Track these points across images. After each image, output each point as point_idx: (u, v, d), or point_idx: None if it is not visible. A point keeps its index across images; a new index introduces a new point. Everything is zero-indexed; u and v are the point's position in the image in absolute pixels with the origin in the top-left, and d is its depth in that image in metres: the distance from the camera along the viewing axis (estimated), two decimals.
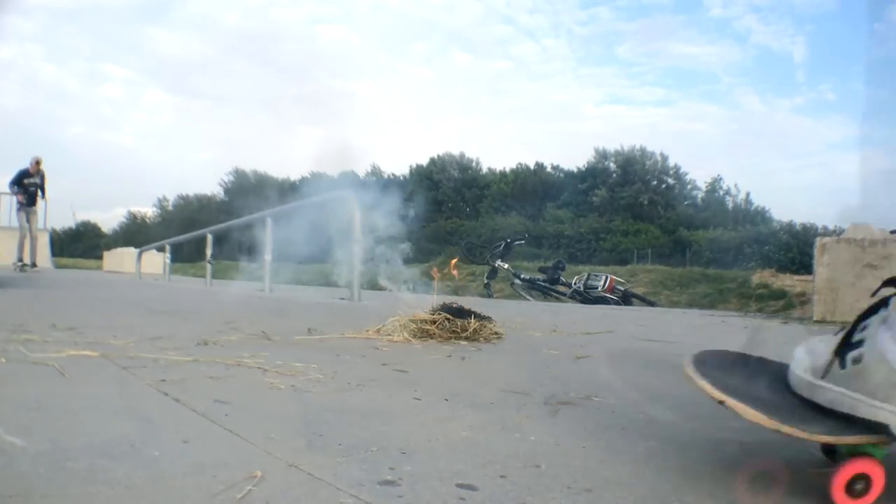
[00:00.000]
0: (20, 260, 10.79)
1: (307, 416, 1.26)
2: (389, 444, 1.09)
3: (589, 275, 10.28)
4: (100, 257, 23.03)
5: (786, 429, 0.85)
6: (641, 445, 1.13)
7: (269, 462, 0.96)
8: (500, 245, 10.78)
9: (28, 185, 10.57)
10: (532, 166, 44.94)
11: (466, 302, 2.99)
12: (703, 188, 42.08)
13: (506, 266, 10.35)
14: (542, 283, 10.37)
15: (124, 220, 58.60)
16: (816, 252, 4.25)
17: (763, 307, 10.31)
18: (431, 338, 2.55)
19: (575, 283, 9.96)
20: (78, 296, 4.90)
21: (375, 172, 48.89)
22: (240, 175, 52.86)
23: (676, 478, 0.96)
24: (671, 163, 42.22)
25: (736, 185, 41.80)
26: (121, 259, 17.46)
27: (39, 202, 11.25)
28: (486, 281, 10.25)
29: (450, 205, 41.83)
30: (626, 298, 9.81)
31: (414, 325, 2.63)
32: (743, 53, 64.01)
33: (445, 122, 77.31)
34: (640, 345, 2.81)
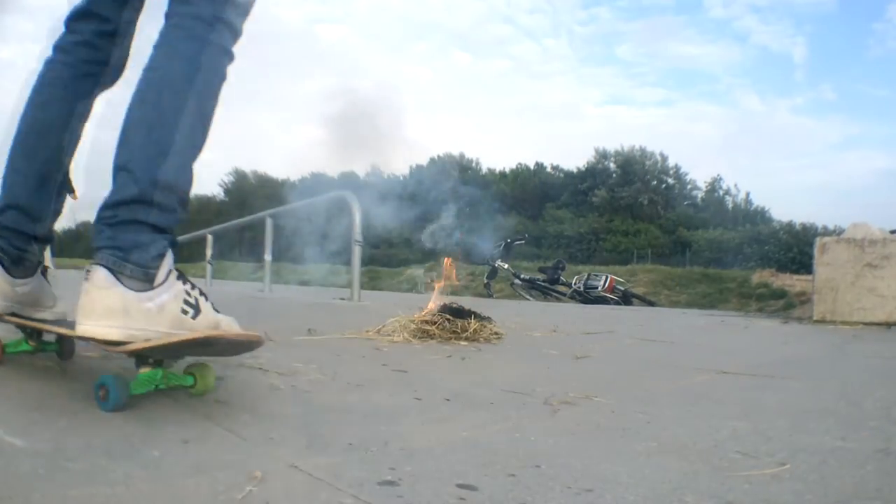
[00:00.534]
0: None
1: (307, 417, 1.26)
2: (390, 444, 1.09)
3: (589, 275, 10.28)
4: None
5: None
6: (641, 445, 1.13)
7: (270, 462, 0.96)
8: (501, 245, 10.78)
9: None
10: (532, 166, 44.96)
11: (466, 302, 2.99)
12: (703, 188, 42.11)
13: (506, 266, 10.35)
14: (542, 284, 10.37)
15: None
16: (816, 252, 4.25)
17: (763, 307, 10.31)
18: (431, 338, 2.55)
19: (575, 283, 9.96)
20: (78, 296, 4.90)
21: (375, 173, 48.91)
22: (239, 176, 52.87)
23: (676, 477, 0.96)
24: (671, 163, 42.25)
25: (736, 185, 41.92)
26: None
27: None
28: (486, 281, 10.26)
29: (450, 205, 41.78)
30: (626, 298, 9.81)
31: (414, 326, 2.63)
32: (743, 53, 64.11)
33: (445, 122, 77.32)
34: (640, 345, 2.81)
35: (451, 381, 1.73)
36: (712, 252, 27.50)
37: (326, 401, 1.41)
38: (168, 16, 1.47)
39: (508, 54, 74.10)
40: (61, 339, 1.54)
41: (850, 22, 61.58)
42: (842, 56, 62.88)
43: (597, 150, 42.96)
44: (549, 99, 70.69)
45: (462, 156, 46.97)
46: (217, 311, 1.31)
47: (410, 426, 1.22)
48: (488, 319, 2.77)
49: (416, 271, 17.37)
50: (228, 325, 1.31)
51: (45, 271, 1.68)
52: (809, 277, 4.73)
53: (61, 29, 1.63)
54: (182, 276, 1.27)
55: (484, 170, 46.26)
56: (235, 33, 1.50)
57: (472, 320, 2.68)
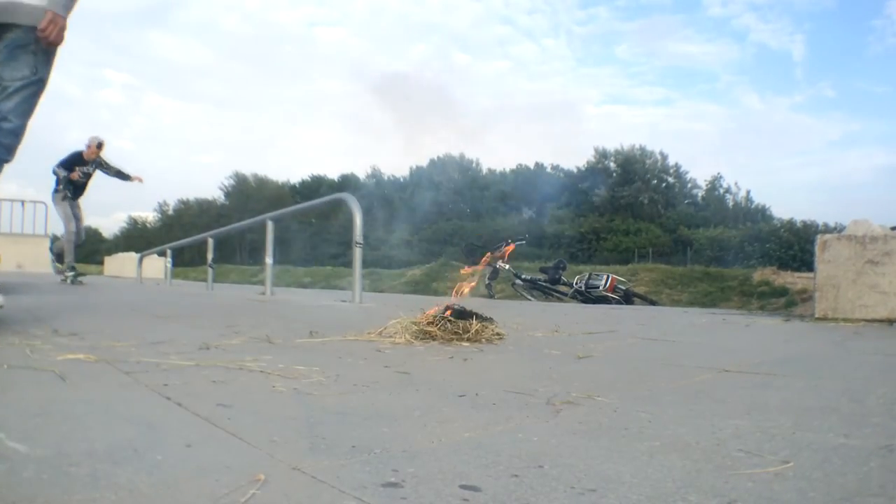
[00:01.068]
0: (72, 268, 8.03)
1: (310, 419, 1.26)
2: (392, 445, 1.09)
3: (590, 274, 10.27)
4: (101, 262, 23.06)
5: None
6: (644, 444, 1.13)
7: (272, 465, 0.96)
8: (501, 246, 10.78)
9: (79, 174, 8.03)
10: (532, 166, 44.99)
11: (468, 303, 2.99)
12: (704, 187, 42.12)
13: (507, 266, 10.34)
14: (544, 284, 10.36)
15: (125, 224, 58.68)
16: (817, 249, 4.25)
17: (764, 305, 10.30)
18: (433, 339, 2.55)
19: (576, 283, 9.95)
20: (79, 301, 4.90)
21: (376, 174, 48.94)
22: (240, 179, 52.87)
23: (679, 476, 0.96)
24: (671, 162, 42.30)
25: (736, 184, 41.90)
26: (122, 264, 17.45)
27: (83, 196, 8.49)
28: (487, 282, 10.25)
29: (450, 206, 41.82)
30: (627, 298, 9.80)
31: (416, 327, 2.63)
32: (742, 52, 64.11)
33: (445, 122, 77.34)
34: (641, 344, 2.81)
35: (453, 382, 1.73)
36: (713, 250, 27.49)
37: (328, 403, 1.41)
38: None
39: (508, 54, 74.16)
40: None
41: (849, 19, 61.59)
42: (841, 53, 62.91)
43: (597, 150, 43.03)
44: (548, 99, 70.74)
45: (462, 156, 47.02)
46: None
47: (413, 428, 1.22)
48: (490, 320, 2.77)
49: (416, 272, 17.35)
50: None
51: None
52: (811, 275, 4.73)
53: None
54: None
55: (484, 170, 46.32)
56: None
57: (474, 321, 2.68)
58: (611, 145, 46.06)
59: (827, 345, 2.88)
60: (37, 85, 2.76)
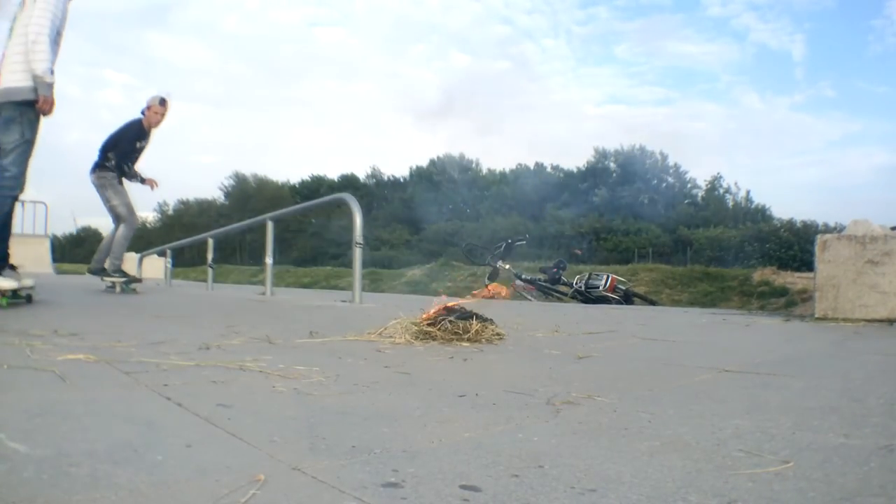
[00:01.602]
0: (122, 273, 6.06)
1: (310, 419, 1.26)
2: (392, 445, 1.09)
3: (590, 274, 10.26)
4: None
5: None
6: (644, 444, 1.13)
7: (273, 465, 0.96)
8: (501, 246, 10.77)
9: (137, 151, 6.16)
10: (532, 166, 44.98)
11: (467, 303, 2.99)
12: (704, 187, 42.09)
13: (507, 267, 10.34)
14: (543, 284, 10.36)
15: None
16: (817, 249, 4.25)
17: (765, 305, 10.30)
18: (433, 340, 2.55)
19: (576, 283, 9.94)
20: (80, 301, 4.90)
21: (375, 174, 48.94)
22: (240, 179, 52.88)
23: (679, 476, 0.96)
24: (671, 162, 42.29)
25: (736, 184, 41.85)
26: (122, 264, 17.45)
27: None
28: (487, 282, 10.24)
29: (450, 206, 41.84)
30: (627, 298, 9.79)
31: (416, 328, 2.63)
32: (742, 52, 64.08)
33: (445, 122, 77.42)
34: (641, 344, 2.81)
35: (453, 382, 1.73)
36: (713, 250, 27.47)
37: (328, 403, 1.41)
38: None
39: (507, 54, 74.18)
40: None
41: (848, 19, 61.54)
42: (841, 53, 62.85)
43: (597, 150, 43.04)
44: (548, 99, 70.76)
45: (462, 156, 47.02)
46: None
47: (413, 428, 1.22)
48: (490, 320, 2.77)
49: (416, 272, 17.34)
50: None
51: None
52: (811, 275, 4.72)
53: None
54: None
55: (484, 170, 46.32)
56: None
57: (474, 321, 2.68)
58: (611, 145, 46.13)
59: (827, 345, 2.88)
60: (27, 144, 3.75)
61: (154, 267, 14.18)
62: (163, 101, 6.09)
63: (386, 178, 48.63)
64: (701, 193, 41.73)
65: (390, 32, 78.52)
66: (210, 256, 8.57)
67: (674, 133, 60.62)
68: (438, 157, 47.12)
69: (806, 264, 15.10)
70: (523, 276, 10.50)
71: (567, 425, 1.26)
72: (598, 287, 9.72)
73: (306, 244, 38.88)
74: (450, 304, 2.81)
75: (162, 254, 12.26)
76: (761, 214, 36.32)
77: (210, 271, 8.59)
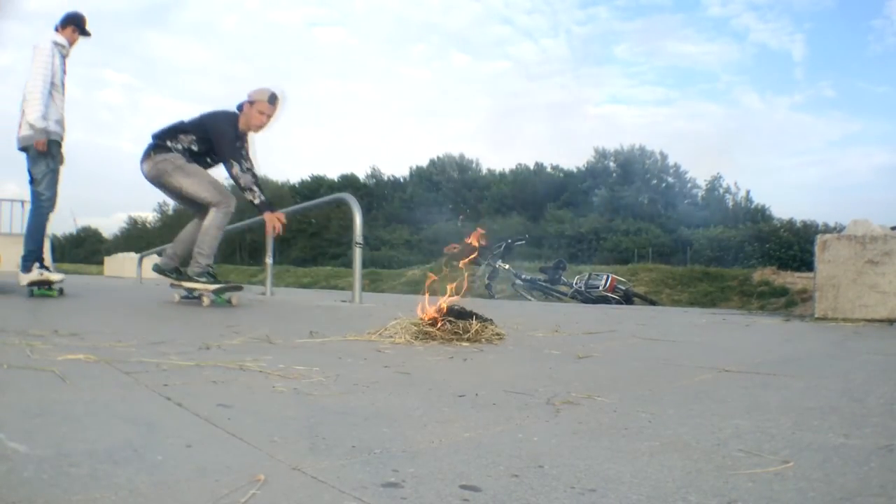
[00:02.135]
0: (211, 276, 4.47)
1: (310, 419, 1.26)
2: (392, 445, 1.09)
3: (590, 274, 10.27)
4: (101, 263, 23.06)
5: None
6: (644, 444, 1.13)
7: (273, 465, 0.96)
8: (501, 246, 10.77)
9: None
10: (532, 166, 44.97)
11: (468, 303, 2.99)
12: (703, 187, 42.08)
13: (507, 267, 10.34)
14: (543, 284, 10.36)
15: (125, 225, 58.66)
16: (817, 249, 4.25)
17: (765, 305, 10.30)
18: (433, 340, 2.55)
19: (576, 283, 9.95)
20: (79, 301, 4.90)
21: (375, 174, 48.94)
22: None
23: (679, 476, 0.96)
24: (671, 161, 42.28)
25: (736, 184, 41.80)
26: (122, 264, 17.45)
27: None
28: (487, 282, 10.24)
29: (450, 206, 41.84)
30: (627, 298, 9.79)
31: (415, 328, 2.63)
32: (742, 51, 64.12)
33: (445, 122, 77.44)
34: (641, 344, 2.81)
35: (453, 382, 1.73)
36: (713, 250, 27.47)
37: (328, 403, 1.41)
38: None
39: (507, 55, 74.18)
40: None
41: (848, 19, 61.60)
42: (841, 53, 62.88)
43: (597, 150, 43.03)
44: (548, 99, 70.76)
45: (462, 156, 47.02)
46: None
47: (413, 428, 1.22)
48: (490, 320, 2.77)
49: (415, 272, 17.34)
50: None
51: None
52: (811, 275, 4.72)
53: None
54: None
55: (484, 170, 46.30)
56: None
57: (474, 321, 2.68)
58: (611, 145, 46.13)
59: (827, 345, 2.88)
60: (53, 173, 4.71)
61: None
62: (273, 99, 4.52)
63: (386, 177, 48.63)
64: (701, 193, 41.72)
65: (390, 32, 78.54)
66: None
67: (674, 133, 60.64)
68: (438, 157, 47.13)
69: (806, 264, 15.12)
70: (523, 276, 10.50)
71: (567, 425, 1.26)
72: (598, 287, 9.72)
73: (306, 244, 38.88)
74: (452, 305, 2.81)
75: (162, 254, 12.26)
76: (761, 214, 36.29)
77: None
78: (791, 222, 27.32)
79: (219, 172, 4.78)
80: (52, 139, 4.61)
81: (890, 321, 3.88)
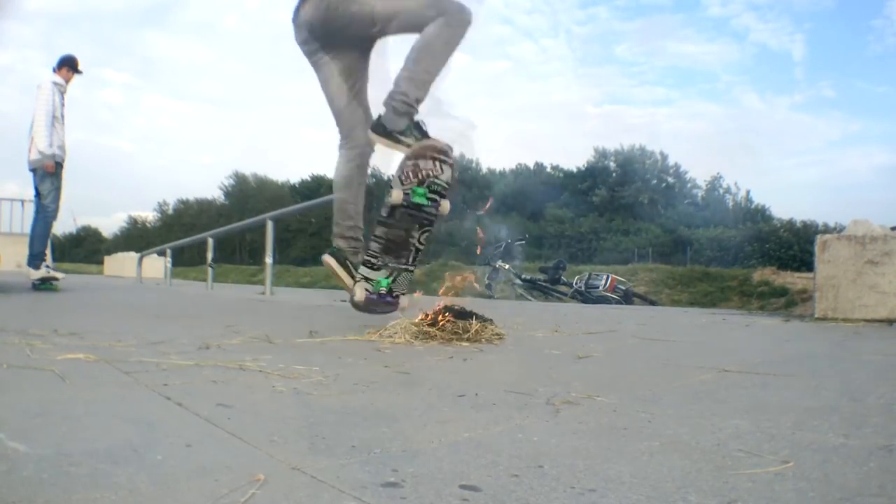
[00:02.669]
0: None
1: (309, 419, 1.26)
2: (392, 445, 1.09)
3: (590, 274, 10.28)
4: (101, 262, 23.07)
5: None
6: (644, 444, 1.13)
7: (272, 465, 0.96)
8: (501, 246, 10.77)
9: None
10: (532, 166, 44.96)
11: (467, 303, 2.99)
12: (703, 187, 42.09)
13: (506, 267, 10.34)
14: (543, 284, 10.36)
15: (125, 224, 58.70)
16: (817, 249, 4.25)
17: (764, 305, 10.30)
18: (433, 340, 2.54)
19: (576, 283, 9.95)
20: (79, 301, 4.90)
21: (375, 174, 48.89)
22: (240, 179, 52.83)
23: (679, 476, 0.96)
24: (671, 162, 42.29)
25: (736, 184, 41.81)
26: (122, 264, 17.46)
27: None
28: (486, 282, 10.24)
29: (449, 205, 41.77)
30: (627, 298, 9.80)
31: (415, 328, 2.63)
32: (742, 52, 64.13)
33: (445, 122, 77.23)
34: (641, 344, 2.81)
35: (452, 382, 1.73)
36: (713, 251, 27.50)
37: (328, 403, 1.41)
38: None
39: (507, 54, 74.20)
40: None
41: (848, 19, 61.60)
42: (841, 53, 62.89)
43: (597, 150, 43.04)
44: (548, 99, 70.75)
45: (462, 156, 46.99)
46: None
47: (413, 427, 1.22)
48: (490, 320, 2.77)
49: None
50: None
51: None
52: (810, 275, 4.72)
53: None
54: None
55: (484, 170, 46.28)
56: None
57: (474, 321, 2.68)
58: (611, 145, 46.12)
59: (827, 345, 2.88)
60: (57, 189, 5.92)
61: (154, 267, 14.19)
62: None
63: (386, 177, 48.58)
64: (701, 193, 41.73)
65: None
66: (210, 256, 8.57)
67: (674, 133, 60.61)
68: None
69: (806, 264, 15.11)
70: (523, 276, 10.50)
71: (567, 425, 1.26)
72: (598, 287, 9.73)
73: (306, 244, 38.88)
74: (452, 304, 2.81)
75: (162, 253, 12.26)
76: (761, 214, 36.31)
77: (210, 271, 8.59)
78: (791, 222, 27.32)
79: None
80: (56, 161, 5.91)
81: (890, 321, 3.88)
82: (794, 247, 22.71)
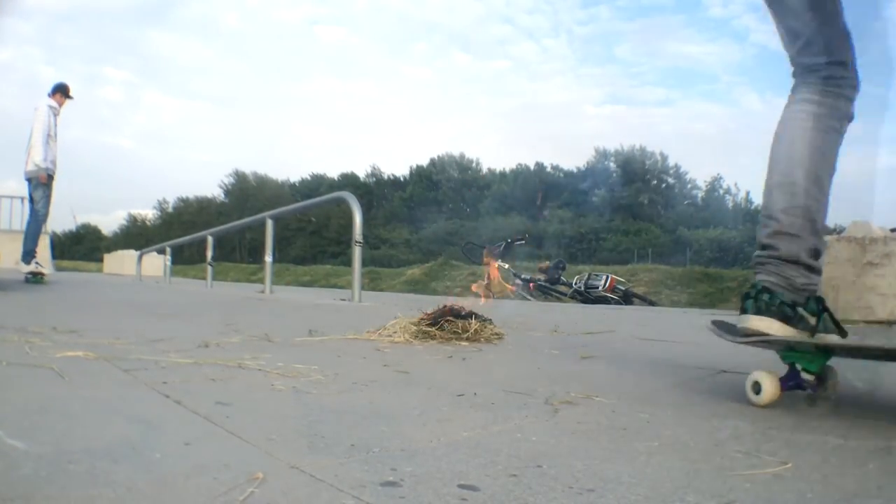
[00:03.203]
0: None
1: (308, 418, 1.26)
2: (391, 444, 1.09)
3: (590, 274, 10.27)
4: (100, 260, 23.06)
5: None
6: (642, 445, 1.13)
7: (271, 463, 0.96)
8: (501, 245, 10.77)
9: None
10: (532, 166, 44.97)
11: (467, 303, 2.99)
12: (703, 187, 42.12)
13: (506, 266, 10.34)
14: (543, 283, 10.36)
15: (124, 222, 58.73)
16: None
17: None
18: (432, 339, 2.55)
19: (576, 283, 9.94)
20: (79, 299, 4.90)
21: (375, 173, 48.94)
22: (240, 177, 52.82)
23: (678, 477, 0.96)
24: (671, 162, 42.31)
25: (736, 185, 41.89)
26: (121, 261, 17.46)
27: None
28: (486, 282, 10.23)
29: (450, 205, 41.83)
30: (626, 298, 9.79)
31: (415, 327, 2.63)
32: (742, 52, 64.17)
33: (445, 122, 77.41)
34: (640, 344, 2.81)
35: (452, 381, 1.73)
36: (713, 251, 27.51)
37: (327, 402, 1.41)
38: None
39: (508, 54, 74.21)
40: None
41: (848, 19, 61.45)
42: None
43: (597, 150, 43.06)
44: (548, 99, 70.76)
45: (462, 156, 47.01)
46: None
47: (412, 427, 1.22)
48: (489, 320, 2.77)
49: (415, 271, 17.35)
50: None
51: None
52: None
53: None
54: None
55: (484, 170, 46.31)
56: None
57: (473, 321, 2.68)
58: (611, 145, 46.17)
59: None
60: (47, 197, 6.81)
61: (153, 265, 14.19)
62: None
63: (386, 176, 48.62)
64: (701, 194, 41.74)
65: (391, 31, 78.45)
66: (210, 254, 8.57)
67: (674, 133, 60.62)
68: (438, 157, 47.11)
69: None
70: (523, 276, 10.50)
71: (566, 425, 1.26)
72: (598, 287, 9.72)
73: (306, 242, 38.90)
74: (452, 305, 2.81)
75: (161, 251, 12.26)
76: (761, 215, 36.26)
77: (209, 269, 8.59)
78: None
79: None
80: (49, 174, 6.85)
81: (889, 323, 3.89)
82: None
